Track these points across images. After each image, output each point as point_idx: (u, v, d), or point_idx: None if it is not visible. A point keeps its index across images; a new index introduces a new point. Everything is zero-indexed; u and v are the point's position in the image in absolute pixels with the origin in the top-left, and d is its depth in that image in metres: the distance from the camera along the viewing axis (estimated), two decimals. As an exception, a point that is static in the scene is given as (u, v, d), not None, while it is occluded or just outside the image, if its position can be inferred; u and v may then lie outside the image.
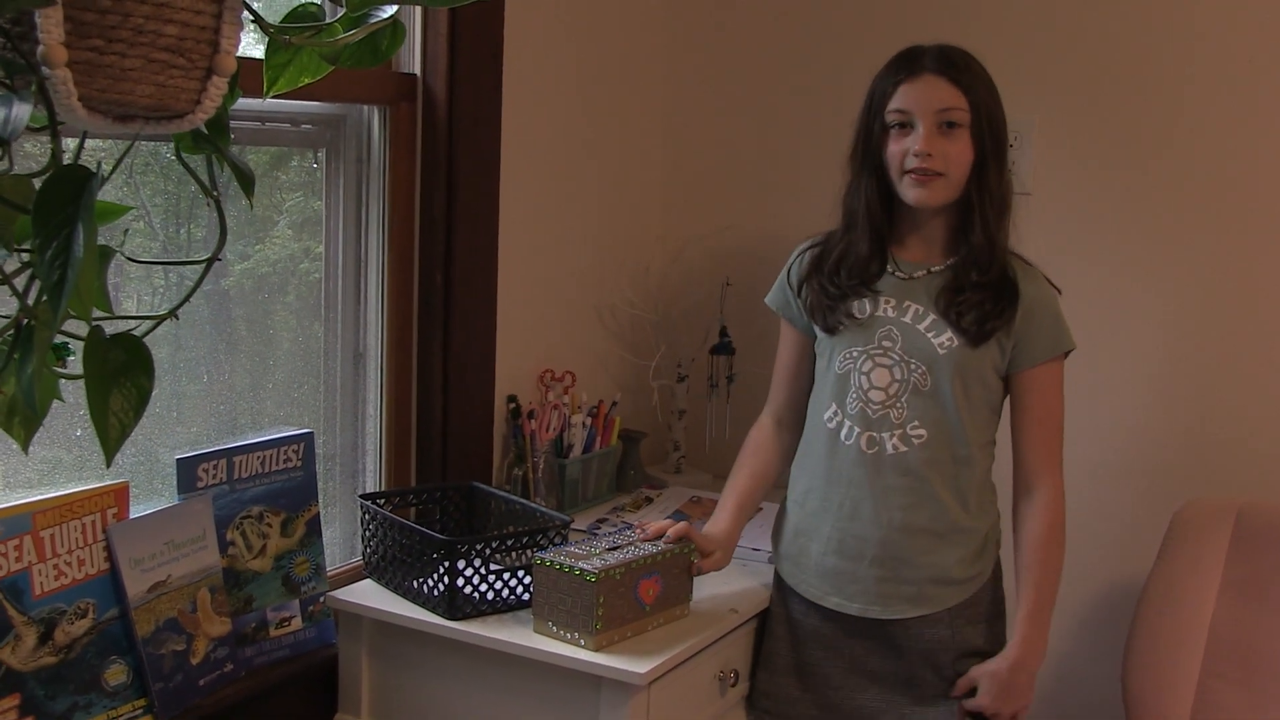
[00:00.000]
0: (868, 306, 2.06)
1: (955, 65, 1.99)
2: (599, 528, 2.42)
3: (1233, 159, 2.42)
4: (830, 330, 2.09)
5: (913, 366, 2.02)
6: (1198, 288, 2.47)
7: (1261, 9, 2.38)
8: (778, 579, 2.17)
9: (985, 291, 2.00)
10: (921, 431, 2.02)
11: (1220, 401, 2.46)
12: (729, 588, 2.15)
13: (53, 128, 0.93)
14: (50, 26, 0.90)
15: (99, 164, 0.98)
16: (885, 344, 2.04)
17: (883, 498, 2.03)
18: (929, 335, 2.02)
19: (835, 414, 2.07)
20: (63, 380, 1.06)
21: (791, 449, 2.20)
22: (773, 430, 2.23)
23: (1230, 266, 2.44)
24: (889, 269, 2.07)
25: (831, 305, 2.07)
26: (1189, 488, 2.43)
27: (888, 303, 2.05)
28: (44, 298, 0.87)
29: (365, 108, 2.21)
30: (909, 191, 2.01)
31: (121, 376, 0.97)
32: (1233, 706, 2.17)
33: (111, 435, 0.96)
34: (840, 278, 2.08)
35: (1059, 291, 2.07)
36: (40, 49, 0.91)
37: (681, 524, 2.03)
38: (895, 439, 2.02)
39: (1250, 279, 2.43)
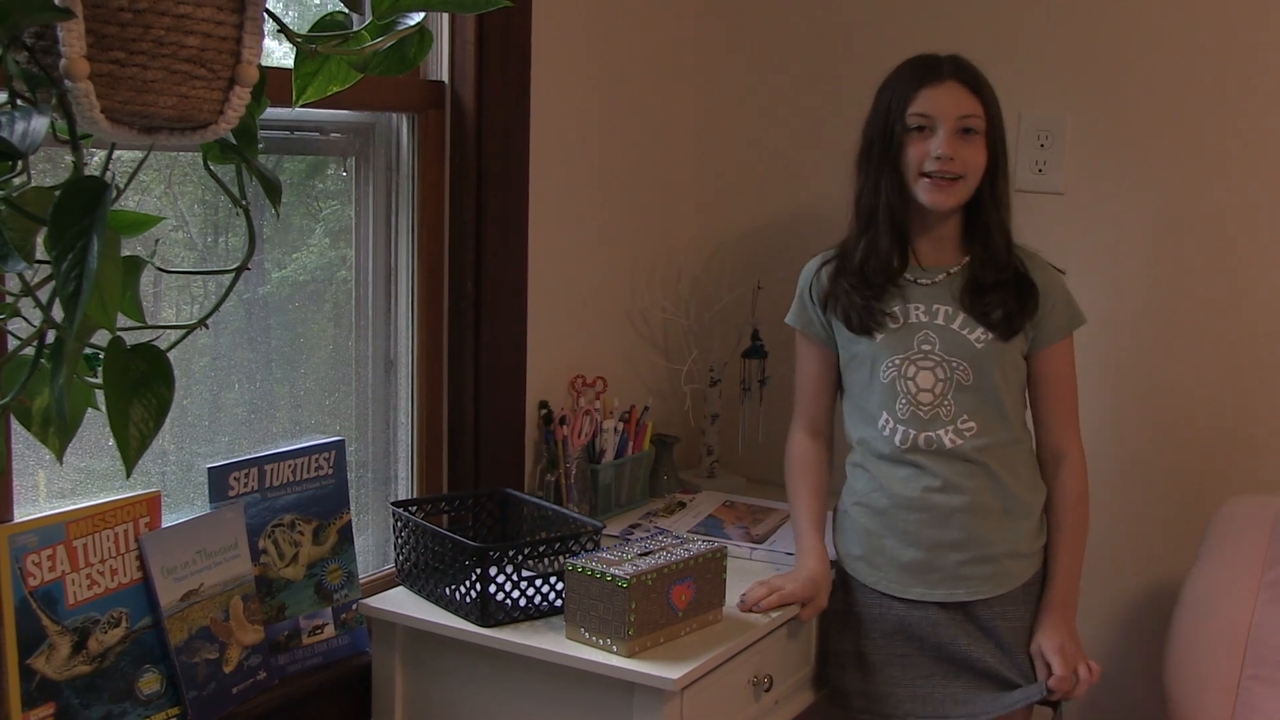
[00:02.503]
0: (899, 313, 2.13)
1: (973, 75, 2.11)
2: (632, 533, 2.41)
3: (1271, 154, 2.39)
4: (869, 332, 2.15)
5: (954, 365, 2.10)
6: (1234, 286, 2.43)
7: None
8: (848, 579, 2.22)
9: (1008, 291, 2.11)
10: (971, 424, 2.11)
11: (1259, 400, 2.43)
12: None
13: (74, 140, 0.94)
14: (72, 40, 0.91)
15: (113, 176, 0.98)
16: (924, 347, 2.12)
17: (949, 487, 2.11)
18: (964, 333, 2.11)
19: (888, 421, 2.15)
20: (97, 390, 1.07)
21: (830, 458, 2.29)
22: (811, 444, 2.29)
23: (1268, 264, 2.41)
24: (910, 276, 2.15)
25: (866, 305, 2.14)
26: (1227, 488, 2.40)
27: (917, 309, 2.14)
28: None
29: (394, 115, 2.22)
30: (925, 194, 2.10)
31: (142, 387, 0.97)
32: (1273, 709, 2.14)
33: (132, 445, 0.97)
34: (868, 277, 2.15)
35: (1063, 272, 2.18)
36: (62, 62, 0.91)
37: (775, 596, 2.06)
38: (950, 434, 2.11)
39: (1289, 276, 2.40)
